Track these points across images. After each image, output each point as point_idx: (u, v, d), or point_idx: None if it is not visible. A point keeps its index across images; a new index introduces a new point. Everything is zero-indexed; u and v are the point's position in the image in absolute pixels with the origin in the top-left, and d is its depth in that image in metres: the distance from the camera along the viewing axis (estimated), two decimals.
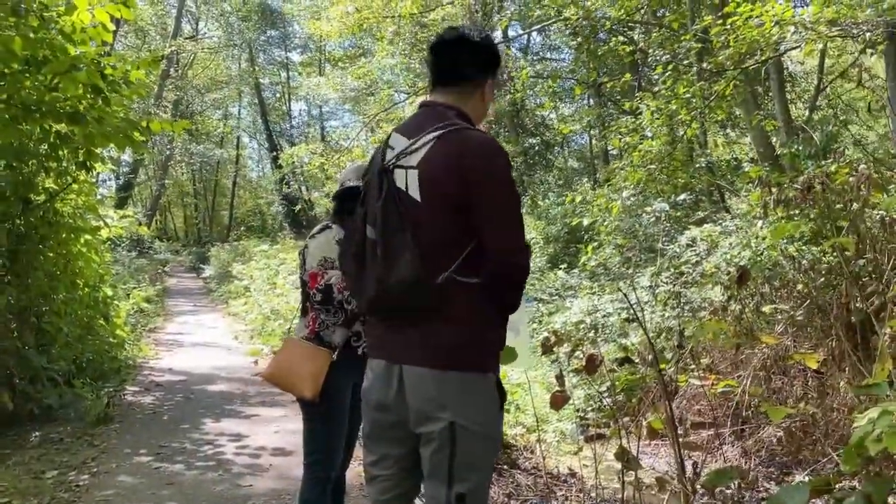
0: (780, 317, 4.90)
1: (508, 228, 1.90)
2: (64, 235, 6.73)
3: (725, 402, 4.67)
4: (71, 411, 6.03)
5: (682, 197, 9.62)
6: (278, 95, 37.68)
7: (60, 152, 5.61)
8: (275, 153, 28.74)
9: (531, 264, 2.00)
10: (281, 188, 27.39)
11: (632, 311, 6.14)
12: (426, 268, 1.85)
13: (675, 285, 7.06)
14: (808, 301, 4.75)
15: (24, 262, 5.97)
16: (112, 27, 5.52)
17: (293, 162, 17.62)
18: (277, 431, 5.57)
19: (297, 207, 25.86)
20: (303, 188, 27.01)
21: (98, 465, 4.63)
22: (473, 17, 18.76)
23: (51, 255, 6.48)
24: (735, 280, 3.42)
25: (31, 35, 4.73)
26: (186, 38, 31.02)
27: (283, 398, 6.47)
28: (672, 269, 7.51)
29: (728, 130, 13.00)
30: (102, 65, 5.08)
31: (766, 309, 4.92)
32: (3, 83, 4.59)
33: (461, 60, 2.07)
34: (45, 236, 6.30)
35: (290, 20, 32.42)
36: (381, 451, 2.03)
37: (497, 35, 17.74)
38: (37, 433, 5.37)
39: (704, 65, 8.06)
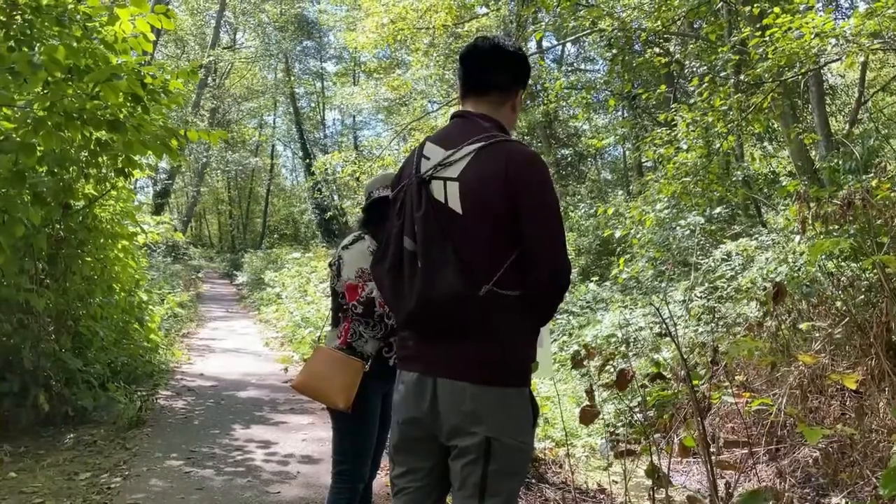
0: (817, 335, 4.79)
1: (554, 241, 1.89)
2: (102, 240, 6.86)
3: (760, 421, 4.57)
4: (104, 414, 6.13)
5: (717, 210, 9.49)
6: (313, 105, 38.15)
7: (100, 159, 5.73)
8: (308, 161, 29.09)
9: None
10: (313, 195, 27.67)
11: (664, 326, 6.05)
12: (468, 280, 1.84)
13: (709, 300, 6.95)
14: (847, 319, 4.63)
15: (62, 266, 6.10)
16: (153, 37, 5.63)
17: (326, 170, 17.78)
18: (305, 439, 5.59)
19: (329, 214, 26.06)
20: (335, 196, 27.25)
21: (130, 468, 4.69)
22: (508, 28, 18.80)
23: (89, 259, 6.60)
24: (771, 296, 3.35)
25: (75, 44, 4.85)
26: (224, 48, 31.61)
27: (311, 406, 6.50)
28: (706, 284, 7.40)
29: (765, 143, 12.80)
30: (142, 74, 5.18)
31: (804, 326, 4.81)
32: (46, 91, 4.70)
33: (492, 69, 2.06)
34: (83, 241, 6.43)
35: (326, 31, 32.91)
36: (409, 464, 2.02)
37: (531, 46, 17.73)
38: (71, 435, 5.47)
39: (742, 77, 7.94)
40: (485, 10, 17.36)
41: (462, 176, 1.89)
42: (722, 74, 8.85)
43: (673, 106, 9.56)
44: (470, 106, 2.07)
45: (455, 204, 1.89)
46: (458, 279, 1.83)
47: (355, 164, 15.70)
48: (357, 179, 15.99)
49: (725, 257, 7.53)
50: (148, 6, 5.29)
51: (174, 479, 4.52)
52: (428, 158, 1.98)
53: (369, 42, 16.79)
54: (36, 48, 4.88)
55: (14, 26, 4.84)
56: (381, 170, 15.85)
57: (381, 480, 3.84)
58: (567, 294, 11.44)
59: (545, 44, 18.57)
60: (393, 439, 2.05)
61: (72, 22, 5.06)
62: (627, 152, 18.25)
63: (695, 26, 11.87)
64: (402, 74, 19.39)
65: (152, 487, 4.34)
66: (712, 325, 6.34)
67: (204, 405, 6.85)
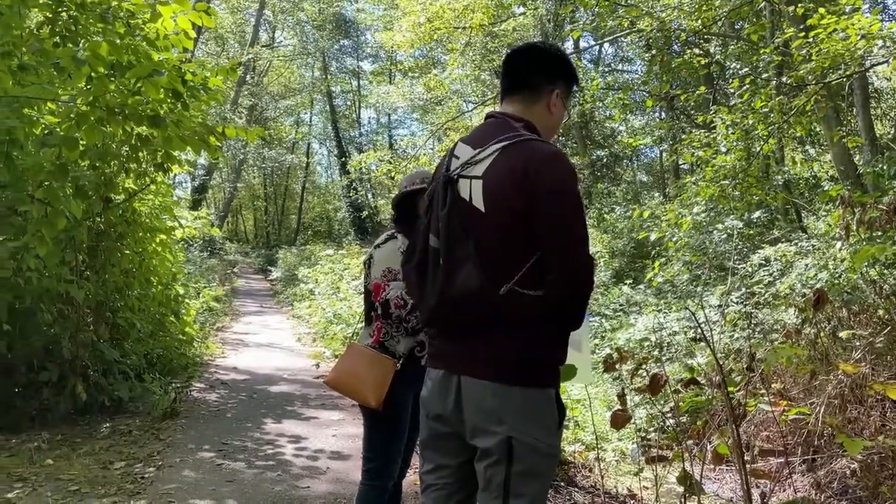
0: (857, 343, 4.66)
1: (573, 242, 1.85)
2: (140, 234, 6.99)
3: (797, 430, 4.47)
4: (140, 404, 6.24)
5: (756, 214, 9.32)
6: (349, 103, 38.41)
7: (140, 154, 5.83)
8: (343, 159, 29.30)
9: (595, 279, 1.94)
10: (348, 193, 27.87)
11: (699, 331, 5.96)
12: (489, 279, 1.83)
13: (746, 306, 6.83)
14: (889, 328, 4.50)
15: (102, 258, 6.22)
16: (193, 34, 5.71)
17: (361, 168, 17.88)
18: (335, 435, 5.63)
19: (364, 213, 26.19)
20: (369, 195, 27.41)
21: (163, 459, 4.77)
22: (545, 28, 18.68)
23: (127, 252, 6.73)
24: (811, 303, 3.27)
25: (118, 41, 4.94)
26: (263, 46, 31.95)
27: (342, 402, 6.54)
28: (743, 289, 7.27)
29: (807, 147, 12.53)
30: (183, 71, 5.26)
31: (844, 334, 4.69)
32: (90, 86, 4.79)
33: (525, 68, 2.06)
34: (123, 234, 6.55)
35: (363, 30, 33.12)
36: (437, 461, 2.02)
37: (568, 46, 17.61)
38: (107, 424, 5.58)
39: (784, 78, 7.78)
40: (521, 9, 17.29)
41: (486, 174, 1.90)
42: (764, 76, 8.69)
43: (712, 108, 9.41)
44: (505, 106, 2.08)
45: (479, 202, 1.89)
46: (479, 277, 1.84)
47: (390, 163, 15.77)
48: (391, 178, 16.06)
49: (764, 262, 7.40)
50: (189, 4, 5.37)
51: (206, 470, 4.58)
52: (458, 158, 1.99)
53: (406, 41, 16.83)
54: (80, 44, 4.99)
55: (59, 22, 4.95)
56: (415, 168, 15.90)
57: (410, 479, 3.84)
58: (600, 296, 11.38)
59: (583, 44, 18.45)
60: (422, 436, 2.07)
61: (115, 19, 5.16)
62: (664, 154, 18.03)
63: (736, 27, 11.67)
64: (439, 74, 19.41)
65: (185, 478, 4.40)
66: (749, 331, 6.22)
67: (236, 398, 6.94)
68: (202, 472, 4.55)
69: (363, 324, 3.02)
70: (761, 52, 8.27)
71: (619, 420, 3.11)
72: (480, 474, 1.91)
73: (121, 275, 6.60)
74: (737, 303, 7.02)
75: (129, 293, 6.82)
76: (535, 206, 1.83)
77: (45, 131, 5.08)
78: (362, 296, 3.05)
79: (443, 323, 1.97)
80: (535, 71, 2.05)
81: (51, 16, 4.98)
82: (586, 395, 5.65)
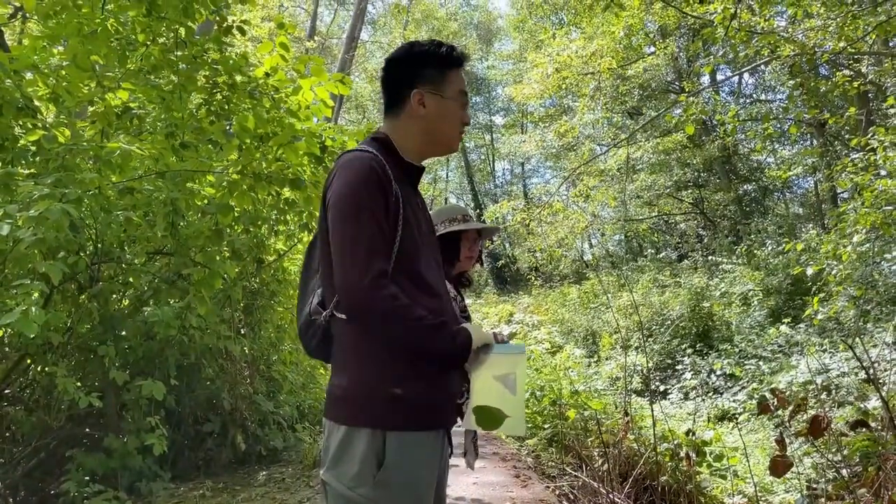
0: None
1: (338, 258, 1.65)
2: (291, 291, 7.41)
3: None
4: (292, 453, 6.52)
5: None
6: (483, 157, 39.17)
7: (288, 216, 6.23)
8: (479, 211, 29.82)
9: (385, 305, 1.61)
10: (485, 244, 28.22)
11: (869, 371, 5.42)
12: (321, 303, 1.82)
13: None
14: None
15: (256, 315, 6.65)
16: (332, 104, 6.10)
17: (496, 218, 18.10)
18: (476, 483, 5.58)
19: (501, 262, 26.36)
20: (506, 244, 27.60)
21: None
22: (677, 65, 18.27)
23: (279, 309, 7.15)
24: None
25: (265, 115, 5.37)
26: None
27: (483, 450, 6.49)
28: None
29: None
30: (322, 137, 5.61)
31: None
32: (239, 157, 5.23)
33: (386, 85, 1.93)
34: (274, 292, 6.98)
35: (494, 85, 33.90)
36: None
37: (704, 80, 17.06)
38: (263, 473, 5.86)
39: None
40: (652, 49, 17.04)
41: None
42: None
43: (871, 129, 8.75)
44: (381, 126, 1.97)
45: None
46: (314, 305, 1.81)
47: (524, 211, 15.84)
48: (526, 227, 16.11)
49: None
50: (326, 75, 5.76)
51: None
52: None
53: (535, 93, 17.04)
54: (232, 120, 5.47)
55: (214, 102, 5.46)
56: (550, 216, 15.86)
57: None
58: (755, 336, 10.67)
59: (720, 76, 17.78)
60: None
61: (262, 95, 5.62)
62: (819, 184, 16.83)
63: (890, 44, 10.85)
64: (569, 120, 19.41)
65: None
66: None
67: None
68: None
69: None
70: None
71: (780, 467, 2.89)
72: None
73: (274, 330, 7.01)
74: None
75: (281, 347, 7.21)
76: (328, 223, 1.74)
77: (206, 202, 5.56)
78: None
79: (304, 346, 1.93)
80: (391, 84, 1.90)
81: (207, 97, 5.51)
82: (742, 444, 5.28)
